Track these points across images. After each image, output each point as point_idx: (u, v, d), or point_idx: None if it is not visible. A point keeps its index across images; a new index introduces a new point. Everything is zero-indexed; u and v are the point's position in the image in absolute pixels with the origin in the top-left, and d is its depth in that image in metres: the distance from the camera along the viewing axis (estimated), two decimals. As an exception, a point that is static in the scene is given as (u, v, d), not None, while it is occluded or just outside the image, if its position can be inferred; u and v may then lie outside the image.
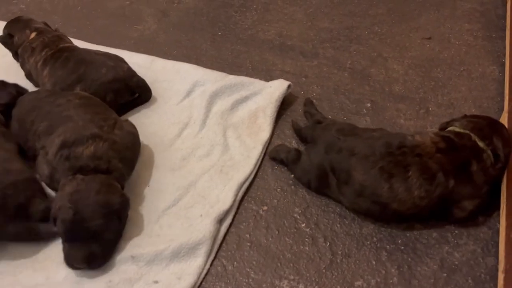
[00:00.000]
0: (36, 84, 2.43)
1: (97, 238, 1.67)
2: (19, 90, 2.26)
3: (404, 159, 1.72)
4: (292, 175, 2.03)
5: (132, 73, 2.32)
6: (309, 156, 1.93)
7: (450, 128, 1.86)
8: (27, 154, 2.04)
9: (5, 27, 2.55)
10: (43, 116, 1.97)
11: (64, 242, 1.70)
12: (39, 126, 1.95)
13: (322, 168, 1.86)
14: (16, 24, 2.51)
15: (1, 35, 2.52)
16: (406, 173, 1.70)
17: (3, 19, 3.01)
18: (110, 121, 1.97)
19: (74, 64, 2.24)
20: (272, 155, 2.10)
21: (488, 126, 1.83)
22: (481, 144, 1.76)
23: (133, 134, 2.04)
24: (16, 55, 2.52)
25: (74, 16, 3.09)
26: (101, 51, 2.39)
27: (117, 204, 1.74)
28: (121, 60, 2.35)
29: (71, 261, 1.67)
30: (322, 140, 1.91)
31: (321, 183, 1.89)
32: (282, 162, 2.07)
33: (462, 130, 1.81)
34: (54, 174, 1.81)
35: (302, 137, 2.14)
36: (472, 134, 1.78)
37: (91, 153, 1.79)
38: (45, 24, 2.59)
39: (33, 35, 2.42)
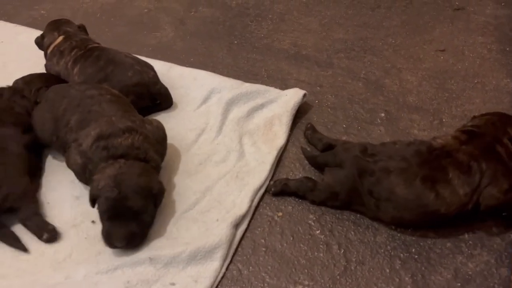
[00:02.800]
0: None
1: (136, 218, 1.75)
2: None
3: (440, 162, 1.77)
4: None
5: (156, 81, 2.38)
6: (335, 180, 1.90)
7: (470, 124, 1.96)
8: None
9: (46, 26, 2.61)
10: (75, 107, 2.01)
11: (105, 221, 1.76)
12: (70, 118, 1.99)
13: (356, 192, 1.85)
14: (52, 25, 2.58)
15: (38, 38, 2.58)
16: (446, 176, 1.74)
17: (24, 24, 3.11)
18: (139, 118, 2.05)
19: (104, 63, 2.31)
20: (278, 189, 2.00)
21: (500, 120, 1.91)
22: (498, 133, 1.83)
23: (162, 130, 2.09)
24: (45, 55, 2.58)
25: (93, 23, 3.15)
26: (131, 55, 2.45)
27: (156, 189, 1.82)
28: (149, 67, 2.41)
29: (112, 239, 1.75)
30: (350, 163, 1.86)
31: (351, 204, 1.91)
32: (292, 194, 2.00)
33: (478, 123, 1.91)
34: (88, 164, 1.87)
35: (318, 163, 2.07)
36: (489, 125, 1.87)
37: (130, 143, 1.87)
38: (82, 27, 2.64)
39: (60, 38, 2.49)
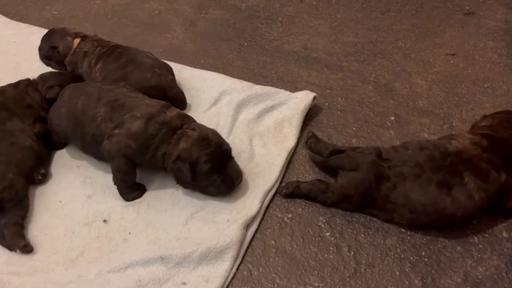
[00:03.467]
0: None
1: (230, 156, 2.01)
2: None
3: (455, 168, 1.78)
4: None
5: (173, 85, 2.39)
6: (350, 183, 1.89)
7: (483, 124, 1.96)
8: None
9: (43, 42, 2.62)
10: (95, 101, 2.04)
11: (213, 175, 1.93)
12: (97, 112, 2.02)
13: (370, 196, 1.86)
14: (53, 36, 2.59)
15: (43, 51, 2.58)
16: (462, 180, 1.76)
17: (36, 25, 3.14)
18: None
19: (125, 61, 2.34)
20: (289, 191, 2.01)
21: None
22: None
23: None
24: (60, 64, 2.59)
25: (105, 24, 3.19)
26: (152, 55, 2.46)
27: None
28: (168, 70, 2.43)
29: (233, 181, 1.97)
30: (367, 168, 1.86)
31: (363, 207, 1.92)
32: (303, 196, 2.01)
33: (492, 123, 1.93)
34: (149, 144, 1.94)
35: (331, 166, 2.05)
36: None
37: (176, 114, 2.01)
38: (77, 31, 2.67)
39: (77, 40, 2.51)
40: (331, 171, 2.07)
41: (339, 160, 1.99)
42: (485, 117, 2.05)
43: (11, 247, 1.87)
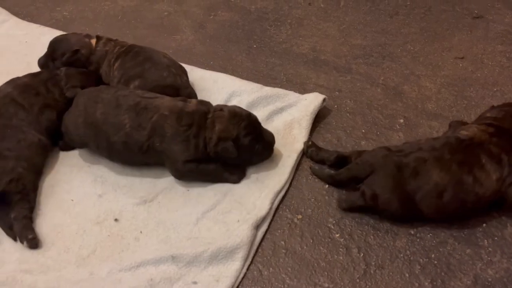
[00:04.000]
0: None
1: (259, 122, 2.13)
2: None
3: (472, 150, 1.83)
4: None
5: (187, 85, 2.42)
6: (378, 188, 1.85)
7: (488, 115, 2.02)
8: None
9: (57, 50, 2.51)
10: (114, 108, 2.04)
11: (256, 146, 2.06)
12: (122, 119, 2.03)
13: (404, 189, 1.83)
14: (68, 41, 2.53)
15: (67, 56, 2.47)
16: (480, 161, 1.81)
17: (46, 25, 3.17)
18: None
19: (142, 59, 2.38)
20: (348, 205, 1.97)
21: None
22: None
23: None
24: (83, 67, 2.56)
25: (115, 25, 3.21)
26: (168, 56, 2.49)
27: None
28: (183, 71, 2.46)
29: (271, 144, 2.12)
30: (382, 164, 1.85)
31: (407, 204, 1.87)
32: (360, 209, 1.95)
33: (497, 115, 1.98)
34: (186, 136, 2.00)
35: (342, 180, 2.01)
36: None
37: (197, 102, 2.12)
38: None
39: (93, 40, 2.53)
40: (342, 185, 2.04)
41: (350, 171, 1.96)
42: (493, 107, 2.10)
43: (20, 239, 1.89)
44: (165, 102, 2.08)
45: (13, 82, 2.26)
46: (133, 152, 2.05)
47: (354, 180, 1.96)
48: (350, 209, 1.96)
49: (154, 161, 2.11)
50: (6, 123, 2.11)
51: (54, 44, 2.55)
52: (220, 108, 2.07)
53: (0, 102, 2.16)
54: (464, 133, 1.93)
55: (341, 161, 2.08)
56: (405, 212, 1.86)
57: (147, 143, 2.02)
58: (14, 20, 3.22)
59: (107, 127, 2.05)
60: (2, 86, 2.26)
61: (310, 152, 2.17)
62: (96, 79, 2.36)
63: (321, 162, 2.14)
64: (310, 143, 2.20)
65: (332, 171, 2.09)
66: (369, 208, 1.92)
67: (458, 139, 1.89)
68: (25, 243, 1.88)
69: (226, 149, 2.00)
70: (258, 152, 2.09)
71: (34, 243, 1.88)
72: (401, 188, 1.83)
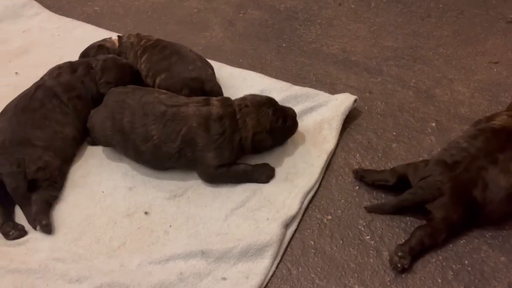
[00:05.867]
0: None
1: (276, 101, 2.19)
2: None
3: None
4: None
5: (212, 79, 2.44)
6: (449, 210, 1.81)
7: None
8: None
9: (86, 54, 2.57)
10: (141, 118, 2.04)
11: (285, 126, 2.13)
12: (148, 130, 2.02)
13: (478, 210, 1.82)
14: (93, 43, 2.61)
15: (94, 52, 2.54)
16: None
17: (78, 19, 3.21)
18: None
19: (169, 53, 2.43)
20: (405, 262, 1.79)
21: None
22: None
23: None
24: None
25: (145, 21, 3.24)
26: (194, 51, 2.52)
27: None
28: (208, 65, 2.48)
29: (294, 118, 2.19)
30: (449, 187, 1.80)
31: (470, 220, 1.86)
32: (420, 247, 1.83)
33: None
34: (221, 142, 2.02)
35: (404, 207, 1.92)
36: None
37: (220, 103, 2.10)
38: None
39: (115, 38, 2.61)
40: (403, 209, 1.93)
41: (415, 196, 1.87)
42: None
43: (33, 223, 1.93)
44: (190, 110, 2.04)
45: (56, 77, 2.27)
46: (162, 161, 2.06)
47: (421, 203, 1.86)
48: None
49: (183, 167, 2.11)
50: (47, 114, 2.15)
51: (83, 52, 2.61)
52: (245, 104, 2.08)
53: (44, 93, 2.20)
54: (496, 123, 1.96)
55: (402, 178, 1.97)
56: (467, 223, 1.85)
57: (177, 154, 2.03)
58: (46, 14, 3.26)
59: (135, 137, 2.05)
60: (45, 76, 2.29)
61: (363, 179, 2.07)
62: (131, 73, 2.37)
63: (380, 183, 2.03)
64: (359, 171, 2.09)
65: (393, 201, 1.97)
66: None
67: (494, 131, 1.91)
68: (38, 227, 1.91)
69: (262, 141, 2.07)
70: (287, 130, 2.16)
71: (47, 229, 1.91)
72: (473, 205, 1.80)
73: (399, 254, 1.76)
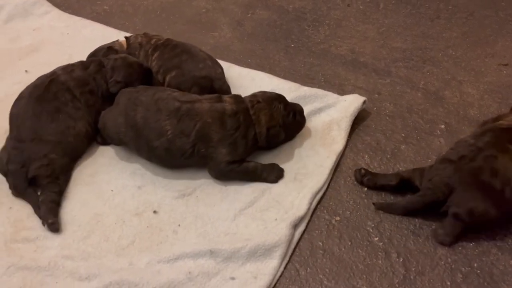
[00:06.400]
0: None
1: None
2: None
3: None
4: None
5: (221, 77, 2.45)
6: (465, 206, 1.79)
7: None
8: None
9: (95, 56, 2.56)
10: (155, 113, 2.04)
11: (295, 119, 2.19)
12: (162, 125, 2.03)
13: (499, 197, 1.78)
14: (102, 45, 2.61)
15: (103, 54, 2.53)
16: None
17: (87, 18, 3.23)
18: None
19: (180, 51, 2.46)
20: (451, 238, 1.86)
21: None
22: None
23: None
24: None
25: (154, 20, 3.25)
26: (204, 51, 2.55)
27: None
28: (218, 65, 2.51)
29: (302, 112, 2.26)
30: (468, 182, 1.78)
31: (502, 210, 1.81)
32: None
33: None
34: (234, 138, 2.05)
35: (415, 209, 1.91)
36: None
37: (232, 100, 2.13)
38: None
39: (123, 40, 2.61)
40: (413, 212, 1.93)
41: (426, 198, 1.86)
42: None
43: (42, 222, 1.95)
44: (205, 106, 2.07)
45: (70, 72, 2.27)
46: (175, 157, 2.06)
47: (431, 205, 1.86)
48: (456, 239, 1.84)
49: (194, 164, 2.12)
50: (60, 108, 2.16)
51: (91, 53, 2.60)
52: (256, 100, 2.13)
53: (58, 86, 2.20)
54: (504, 123, 1.96)
55: (403, 183, 1.98)
56: (504, 213, 1.79)
57: (191, 150, 2.03)
58: (56, 12, 3.27)
59: (148, 132, 2.05)
60: (58, 70, 2.28)
61: (366, 181, 2.05)
62: (141, 71, 2.37)
63: (380, 188, 2.03)
64: (363, 171, 2.07)
65: (402, 202, 1.97)
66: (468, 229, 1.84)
67: (502, 129, 1.90)
68: (45, 226, 1.93)
69: (276, 134, 2.12)
70: (298, 123, 2.22)
71: (54, 227, 1.92)
72: (490, 192, 1.75)
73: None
